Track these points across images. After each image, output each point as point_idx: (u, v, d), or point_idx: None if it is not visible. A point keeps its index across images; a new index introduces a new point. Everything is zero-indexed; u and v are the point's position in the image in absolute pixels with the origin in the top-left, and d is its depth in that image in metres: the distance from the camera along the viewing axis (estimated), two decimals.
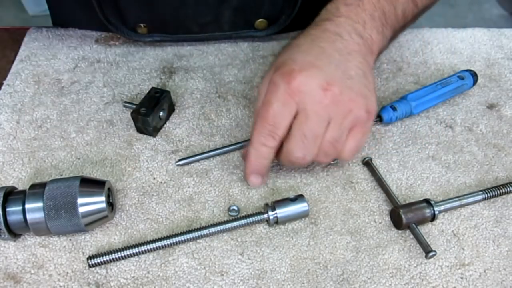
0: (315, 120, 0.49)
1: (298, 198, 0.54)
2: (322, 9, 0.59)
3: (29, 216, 0.48)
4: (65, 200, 0.49)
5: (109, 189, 0.53)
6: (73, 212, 0.49)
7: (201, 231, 0.52)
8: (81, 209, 0.49)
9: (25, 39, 0.75)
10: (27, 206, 0.48)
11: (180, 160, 0.60)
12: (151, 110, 0.60)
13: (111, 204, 0.53)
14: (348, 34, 0.54)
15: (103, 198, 0.50)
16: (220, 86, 0.70)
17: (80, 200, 0.49)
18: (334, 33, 0.54)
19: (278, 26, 0.73)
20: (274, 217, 0.53)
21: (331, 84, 0.49)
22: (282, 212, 0.53)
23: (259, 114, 0.51)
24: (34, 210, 0.48)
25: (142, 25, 0.70)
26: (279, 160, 0.54)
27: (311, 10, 0.75)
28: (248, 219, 0.53)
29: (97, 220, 0.51)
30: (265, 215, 0.53)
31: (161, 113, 0.62)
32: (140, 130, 0.63)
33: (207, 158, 0.61)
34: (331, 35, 0.54)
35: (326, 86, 0.49)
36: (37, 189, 0.50)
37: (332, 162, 0.61)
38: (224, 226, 0.53)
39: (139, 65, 0.72)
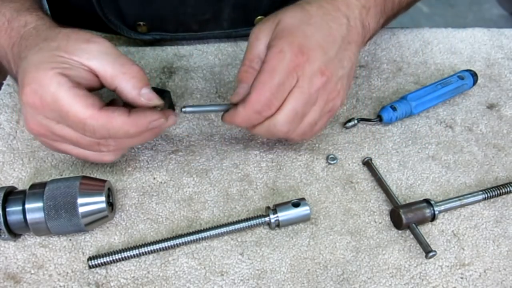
0: (307, 99, 0.51)
1: (301, 202, 0.54)
2: None
3: (29, 216, 0.48)
4: (65, 200, 0.49)
5: (109, 189, 0.53)
6: (73, 212, 0.49)
7: (202, 233, 0.52)
8: (81, 209, 0.49)
9: None
10: (27, 206, 0.49)
11: (186, 106, 0.54)
12: None
13: (111, 204, 0.53)
14: (354, 19, 0.55)
15: (103, 198, 0.50)
16: (220, 86, 0.70)
17: (80, 200, 0.49)
18: (343, 15, 0.54)
19: None
20: (275, 221, 0.53)
21: (328, 69, 0.51)
22: (283, 215, 0.53)
23: (260, 80, 0.50)
24: (34, 210, 0.48)
25: (141, 23, 0.70)
26: (253, 129, 0.53)
27: None
28: (249, 222, 0.53)
29: (97, 220, 0.51)
30: (267, 218, 0.53)
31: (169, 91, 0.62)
32: None
33: (213, 111, 0.58)
34: (341, 16, 0.54)
35: (324, 70, 0.51)
36: (37, 189, 0.50)
37: (332, 162, 0.61)
38: (225, 228, 0.52)
39: (139, 65, 0.72)
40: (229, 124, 0.55)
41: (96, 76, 0.48)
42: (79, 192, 0.49)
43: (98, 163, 0.59)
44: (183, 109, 0.53)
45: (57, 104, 0.45)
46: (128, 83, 0.48)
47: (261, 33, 0.54)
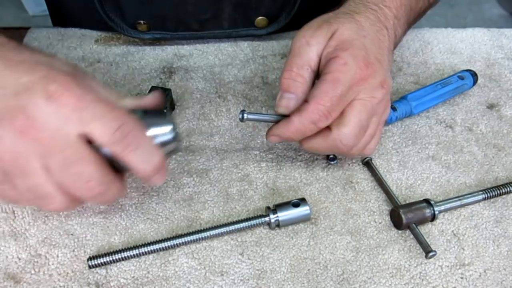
0: (371, 112, 0.51)
1: (301, 202, 0.54)
2: (326, 7, 0.59)
3: None
4: None
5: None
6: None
7: (202, 233, 0.52)
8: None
9: (25, 39, 0.75)
10: None
11: (247, 113, 0.52)
12: None
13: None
14: (390, 29, 0.56)
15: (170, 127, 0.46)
16: (220, 86, 0.70)
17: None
18: (384, 25, 0.55)
19: (278, 24, 0.73)
20: (275, 221, 0.53)
21: (386, 83, 0.52)
22: (283, 215, 0.53)
23: (322, 89, 0.49)
24: None
25: (142, 22, 0.70)
26: (311, 144, 0.53)
27: (310, 8, 0.76)
28: (249, 222, 0.53)
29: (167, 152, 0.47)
30: (267, 218, 0.53)
31: (164, 111, 0.61)
32: None
33: (267, 121, 0.55)
34: (383, 27, 0.55)
35: (383, 83, 0.51)
36: None
37: (332, 162, 0.61)
38: (225, 228, 0.52)
39: (139, 65, 0.72)
40: (276, 140, 0.53)
41: None
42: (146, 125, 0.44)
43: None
44: (245, 115, 0.52)
45: (68, 150, 0.39)
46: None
47: (313, 40, 0.52)
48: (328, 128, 0.51)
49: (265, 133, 0.57)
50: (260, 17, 0.72)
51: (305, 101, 0.50)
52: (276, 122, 0.53)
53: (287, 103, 0.51)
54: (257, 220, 0.53)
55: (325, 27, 0.52)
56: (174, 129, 0.46)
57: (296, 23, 0.74)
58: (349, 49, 0.50)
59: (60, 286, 0.49)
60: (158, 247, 0.51)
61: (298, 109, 0.50)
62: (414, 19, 0.65)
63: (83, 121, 0.39)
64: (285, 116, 0.52)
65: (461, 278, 0.52)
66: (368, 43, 0.52)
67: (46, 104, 0.38)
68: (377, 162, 0.62)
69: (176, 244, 0.51)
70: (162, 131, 0.45)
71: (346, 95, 0.49)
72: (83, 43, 0.75)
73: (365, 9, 0.55)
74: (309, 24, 0.54)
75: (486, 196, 0.57)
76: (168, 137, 0.46)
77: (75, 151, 0.40)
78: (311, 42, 0.52)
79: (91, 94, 0.40)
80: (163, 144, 0.46)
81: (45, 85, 0.39)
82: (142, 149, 0.42)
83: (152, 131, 0.45)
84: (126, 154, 0.41)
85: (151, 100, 0.46)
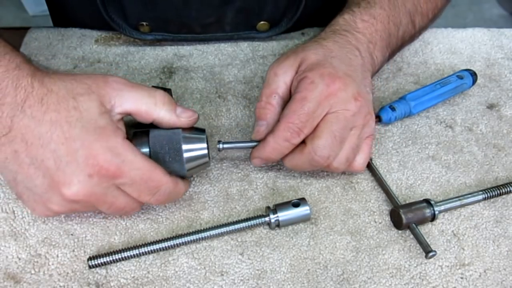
0: (344, 124, 0.52)
1: (301, 202, 0.54)
2: (328, 12, 0.60)
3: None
4: (170, 146, 0.49)
5: (206, 137, 0.53)
6: (177, 157, 0.49)
7: (202, 233, 0.52)
8: (186, 155, 0.50)
9: (25, 39, 0.75)
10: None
11: (223, 143, 0.56)
12: None
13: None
14: (364, 52, 0.59)
15: (204, 145, 0.51)
16: (220, 86, 0.70)
17: (184, 147, 0.50)
18: (355, 47, 0.58)
19: (279, 28, 0.73)
20: (275, 221, 0.53)
21: (360, 95, 0.53)
22: (283, 215, 0.53)
23: (291, 108, 0.52)
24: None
25: (144, 23, 0.70)
26: (291, 161, 0.54)
27: (312, 14, 0.76)
28: (249, 222, 0.53)
29: (198, 165, 0.51)
30: (267, 218, 0.53)
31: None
32: None
33: (245, 148, 0.59)
34: (354, 49, 0.58)
35: (357, 96, 0.53)
36: (140, 136, 0.50)
37: None
38: (225, 228, 0.52)
39: (139, 65, 0.72)
40: (258, 162, 0.56)
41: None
42: (182, 139, 0.50)
43: None
44: (220, 145, 0.55)
45: (137, 172, 0.45)
46: (163, 112, 0.48)
47: (280, 70, 0.56)
48: (304, 143, 0.53)
49: None
50: (262, 22, 0.72)
51: (278, 121, 0.53)
52: (250, 147, 0.57)
53: (258, 129, 0.55)
54: (257, 220, 0.53)
55: (292, 57, 0.56)
56: (207, 147, 0.51)
57: (297, 26, 0.75)
58: (315, 69, 0.53)
59: (60, 286, 0.49)
60: (158, 247, 0.51)
61: (272, 130, 0.54)
62: (398, 45, 0.68)
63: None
64: (257, 143, 0.56)
65: (461, 278, 0.52)
66: (336, 62, 0.55)
67: None
68: (377, 162, 0.62)
69: (176, 244, 0.51)
70: (196, 147, 0.50)
71: (316, 111, 0.51)
72: (83, 43, 0.75)
73: (333, 35, 0.59)
74: (279, 58, 0.58)
75: (486, 196, 0.57)
76: (201, 153, 0.51)
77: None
78: (278, 73, 0.56)
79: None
80: (195, 158, 0.50)
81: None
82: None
83: (187, 147, 0.50)
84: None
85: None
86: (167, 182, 0.48)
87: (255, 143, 0.56)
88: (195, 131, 0.52)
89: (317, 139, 0.52)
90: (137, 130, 0.51)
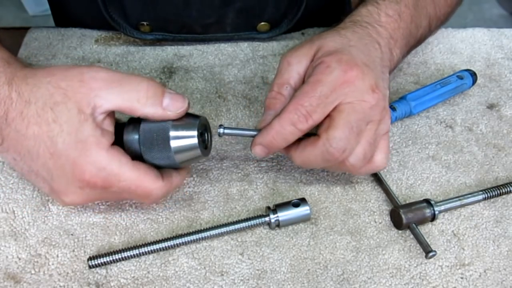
0: (362, 115, 0.49)
1: (301, 202, 0.54)
2: (328, 12, 0.59)
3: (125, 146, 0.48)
4: (158, 132, 0.47)
5: (205, 125, 0.50)
6: (165, 144, 0.47)
7: (202, 233, 0.52)
8: (173, 143, 0.47)
9: (25, 39, 0.75)
10: (124, 138, 0.47)
11: (224, 128, 0.52)
12: None
13: (205, 141, 0.51)
14: (384, 46, 0.56)
15: (195, 132, 0.47)
16: (220, 86, 0.70)
17: (172, 133, 0.46)
18: (376, 41, 0.55)
19: (280, 29, 0.73)
20: (275, 221, 0.53)
21: (378, 87, 0.50)
22: (283, 215, 0.53)
23: (302, 90, 0.48)
24: (132, 142, 0.47)
25: (145, 23, 0.70)
26: (303, 155, 0.50)
27: (313, 15, 0.76)
28: (249, 222, 0.53)
29: (190, 157, 0.48)
30: (267, 218, 0.53)
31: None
32: None
33: (246, 136, 0.54)
34: (374, 42, 0.55)
35: (375, 88, 0.49)
36: (132, 123, 0.48)
37: None
38: (225, 228, 0.52)
39: (139, 65, 0.72)
40: (260, 150, 0.51)
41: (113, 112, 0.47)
42: (171, 127, 0.47)
43: None
44: (220, 130, 0.51)
45: (124, 183, 0.45)
46: (147, 108, 0.45)
47: (294, 59, 0.53)
48: (318, 136, 0.50)
49: None
50: (262, 23, 0.72)
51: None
52: (252, 136, 0.53)
53: (265, 118, 0.52)
54: (257, 220, 0.53)
55: (307, 46, 0.53)
56: (199, 135, 0.47)
57: (297, 27, 0.75)
58: (333, 54, 0.50)
59: (60, 286, 0.49)
60: (158, 247, 0.51)
61: (279, 113, 0.50)
62: (413, 45, 0.65)
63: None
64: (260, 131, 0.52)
65: (461, 278, 0.52)
66: (355, 51, 0.51)
67: None
68: None
69: (176, 244, 0.51)
70: (186, 134, 0.47)
71: (329, 97, 0.48)
72: (83, 43, 0.75)
73: (353, 26, 0.56)
74: (294, 47, 0.55)
75: (486, 196, 0.57)
76: (191, 142, 0.47)
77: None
78: (292, 62, 0.53)
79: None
80: (185, 149, 0.47)
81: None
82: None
83: (175, 134, 0.46)
84: None
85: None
86: (157, 188, 0.47)
87: (257, 132, 0.52)
88: (188, 118, 0.48)
89: (332, 129, 0.48)
90: (132, 117, 0.49)
